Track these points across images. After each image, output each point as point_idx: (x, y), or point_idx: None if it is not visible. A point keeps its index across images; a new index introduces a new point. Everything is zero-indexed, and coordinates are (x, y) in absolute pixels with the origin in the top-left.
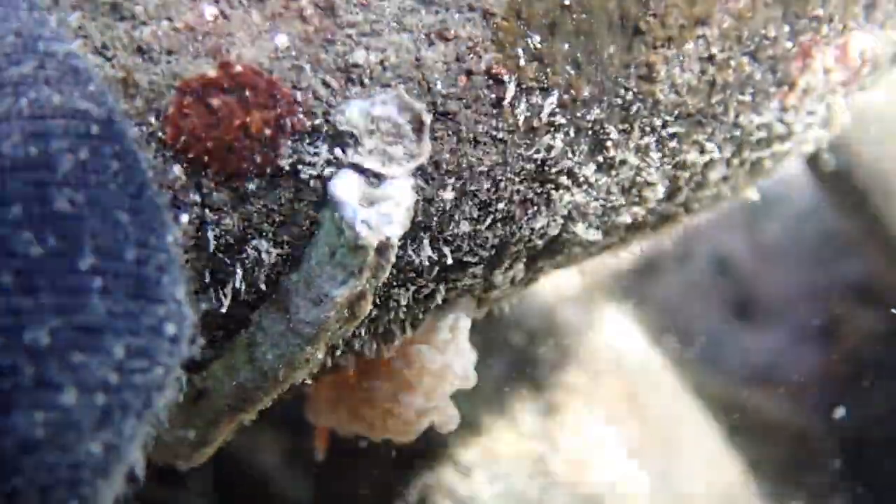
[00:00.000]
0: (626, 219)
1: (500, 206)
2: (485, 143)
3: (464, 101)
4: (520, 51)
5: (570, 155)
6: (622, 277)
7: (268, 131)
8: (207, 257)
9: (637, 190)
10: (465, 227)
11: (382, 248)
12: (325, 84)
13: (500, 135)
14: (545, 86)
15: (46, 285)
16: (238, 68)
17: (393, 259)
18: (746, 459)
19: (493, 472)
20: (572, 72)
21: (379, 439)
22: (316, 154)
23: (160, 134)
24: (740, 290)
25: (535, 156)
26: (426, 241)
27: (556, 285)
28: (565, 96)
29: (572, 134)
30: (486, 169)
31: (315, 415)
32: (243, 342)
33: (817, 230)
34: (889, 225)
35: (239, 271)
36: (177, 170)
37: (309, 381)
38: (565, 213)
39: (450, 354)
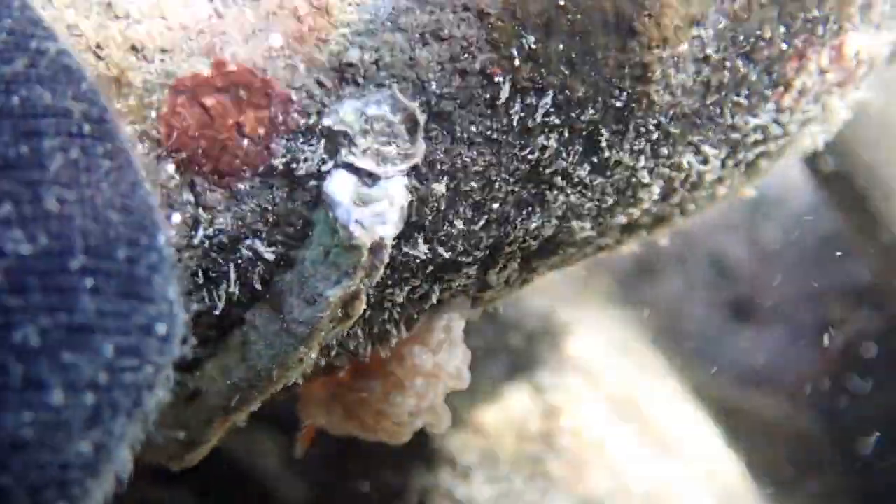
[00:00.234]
0: (621, 219)
1: (495, 206)
2: (479, 144)
3: (458, 101)
4: (514, 51)
5: (564, 155)
6: (621, 279)
7: (261, 130)
8: (201, 257)
9: (632, 191)
10: (460, 226)
11: (376, 248)
12: (320, 83)
13: (495, 135)
14: (540, 86)
15: (36, 284)
16: (232, 67)
17: (387, 259)
18: (745, 461)
19: (492, 473)
20: (567, 72)
21: (372, 440)
22: (310, 153)
23: (153, 133)
24: (739, 292)
25: (530, 156)
26: (420, 241)
27: (555, 287)
28: (560, 97)
29: (567, 134)
30: (480, 169)
31: (308, 415)
32: (237, 342)
33: (816, 232)
34: (888, 226)
35: (233, 271)
36: (170, 169)
37: (300, 381)
38: (560, 213)
39: (443, 354)
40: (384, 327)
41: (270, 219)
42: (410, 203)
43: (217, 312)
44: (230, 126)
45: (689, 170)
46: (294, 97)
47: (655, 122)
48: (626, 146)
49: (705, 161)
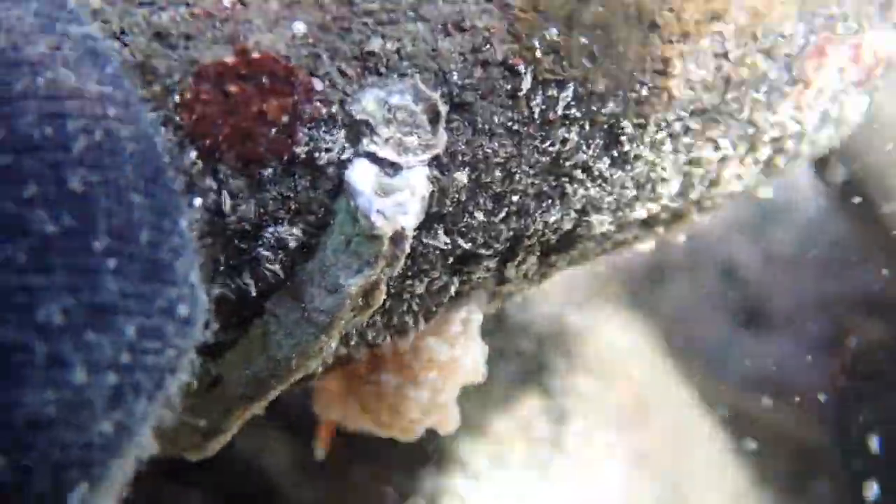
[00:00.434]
0: (639, 214)
1: (515, 198)
2: (500, 135)
3: (480, 91)
4: (536, 42)
5: (584, 149)
6: (631, 285)
7: (284, 118)
8: (223, 243)
9: (651, 185)
10: (480, 218)
11: (397, 238)
12: (342, 72)
13: (516, 126)
14: (561, 78)
15: (60, 264)
16: (255, 55)
17: (407, 249)
18: (754, 468)
19: (503, 477)
20: (588, 65)
21: (383, 436)
22: (332, 142)
23: (177, 119)
24: (748, 299)
25: (550, 148)
26: (441, 232)
27: (566, 292)
28: (581, 89)
29: (587, 128)
30: (501, 161)
31: (323, 407)
32: (258, 331)
33: (826, 239)
34: None
35: (254, 258)
36: (193, 155)
37: (320, 370)
38: (579, 207)
39: (460, 348)
40: (403, 319)
41: (292, 206)
42: (431, 193)
43: (239, 299)
44: (253, 113)
45: (709, 165)
46: (317, 85)
47: (676, 116)
48: (647, 140)
49: (724, 157)
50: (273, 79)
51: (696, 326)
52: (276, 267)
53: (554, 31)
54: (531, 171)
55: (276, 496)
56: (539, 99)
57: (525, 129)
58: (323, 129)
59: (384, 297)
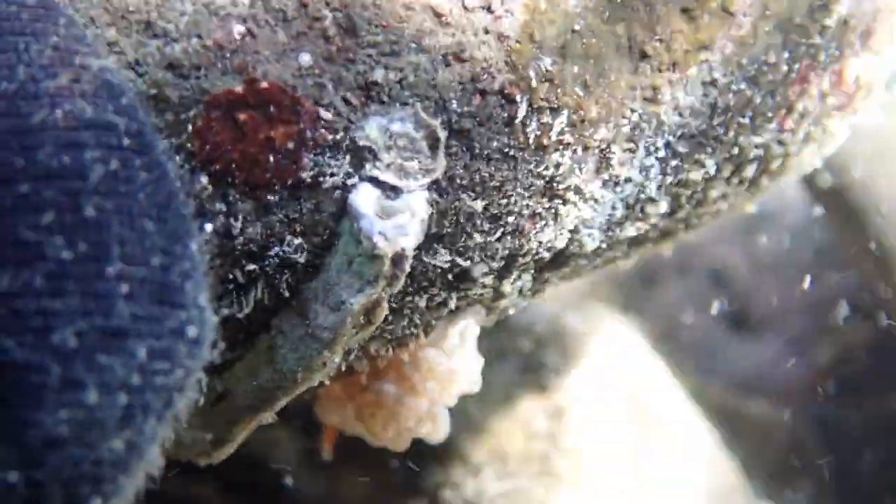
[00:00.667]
0: (629, 233)
1: (511, 219)
2: (497, 160)
3: (477, 119)
4: (531, 72)
5: (577, 172)
6: (625, 287)
7: (291, 145)
8: (231, 264)
9: (640, 206)
10: (477, 238)
11: (398, 259)
12: (346, 101)
13: (512, 152)
14: (555, 106)
15: (75, 289)
16: (263, 84)
17: (407, 269)
18: (740, 462)
19: (501, 470)
20: (581, 93)
21: (376, 445)
22: (336, 167)
23: (188, 146)
24: (736, 301)
25: (545, 172)
26: (440, 252)
27: (562, 295)
28: (574, 116)
29: (580, 152)
30: (497, 184)
31: (323, 412)
32: (264, 345)
33: (811, 245)
34: (880, 241)
35: (261, 278)
36: (203, 180)
37: (327, 382)
38: (572, 227)
39: (457, 359)
40: (404, 332)
41: (298, 229)
42: (431, 215)
43: (246, 317)
44: (261, 140)
45: (696, 187)
46: (322, 114)
47: (664, 141)
48: (636, 164)
49: (710, 179)
50: (280, 107)
51: (687, 327)
52: (282, 286)
53: (548, 61)
54: (526, 194)
55: (283, 490)
56: (534, 125)
57: (520, 153)
58: (328, 154)
59: (385, 313)
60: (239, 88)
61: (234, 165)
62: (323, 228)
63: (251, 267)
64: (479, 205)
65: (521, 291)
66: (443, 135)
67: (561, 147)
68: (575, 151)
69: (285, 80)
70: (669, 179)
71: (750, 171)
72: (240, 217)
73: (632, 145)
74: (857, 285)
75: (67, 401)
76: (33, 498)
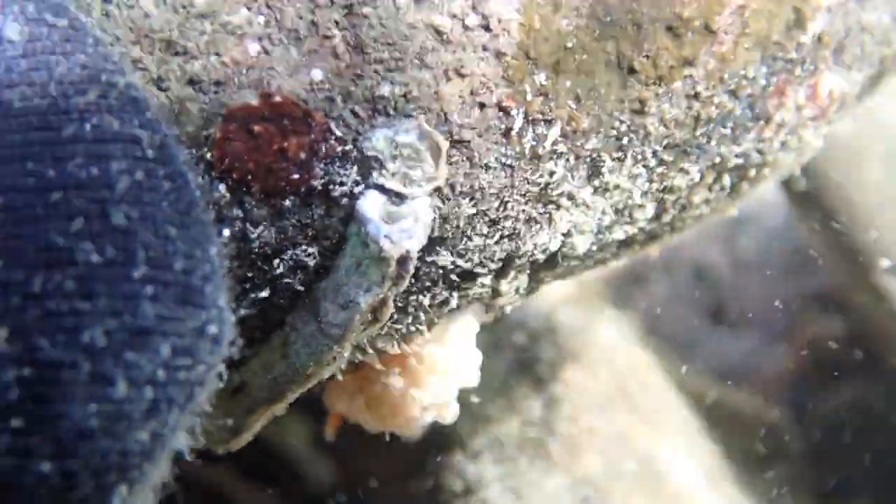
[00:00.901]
0: (618, 236)
1: (508, 223)
2: (495, 168)
3: (477, 130)
4: (527, 87)
5: (570, 179)
6: (614, 284)
7: (303, 155)
8: (248, 266)
9: (629, 211)
10: (477, 241)
11: (403, 260)
12: (355, 114)
13: (509, 161)
14: (549, 118)
15: (103, 291)
16: (277, 99)
17: (412, 270)
18: (722, 447)
19: (499, 455)
20: (573, 106)
21: (385, 431)
22: (345, 176)
23: (208, 156)
24: (717, 297)
25: (539, 180)
26: (442, 254)
27: (556, 291)
28: (567, 127)
29: (572, 161)
30: (495, 191)
31: (332, 400)
32: (278, 341)
33: (788, 245)
34: (851, 241)
35: (276, 279)
36: (222, 189)
37: (339, 376)
38: (565, 230)
39: (458, 355)
40: (409, 329)
41: (309, 233)
42: (434, 220)
43: (261, 314)
44: (275, 151)
45: (680, 193)
46: (332, 126)
47: (651, 150)
48: (625, 172)
49: (694, 185)
50: (293, 120)
51: (672, 321)
52: (295, 286)
53: (543, 76)
54: (522, 200)
55: (296, 474)
56: (529, 136)
57: (517, 162)
58: (337, 164)
59: (391, 311)
60: (255, 102)
61: (249, 174)
62: (333, 232)
63: (266, 268)
64: (478, 210)
65: (517, 290)
66: (445, 145)
67: (555, 156)
68: (568, 160)
69: (298, 95)
70: (656, 186)
71: (731, 178)
72: (255, 222)
73: (621, 154)
74: (828, 282)
75: (97, 395)
76: (65, 486)
